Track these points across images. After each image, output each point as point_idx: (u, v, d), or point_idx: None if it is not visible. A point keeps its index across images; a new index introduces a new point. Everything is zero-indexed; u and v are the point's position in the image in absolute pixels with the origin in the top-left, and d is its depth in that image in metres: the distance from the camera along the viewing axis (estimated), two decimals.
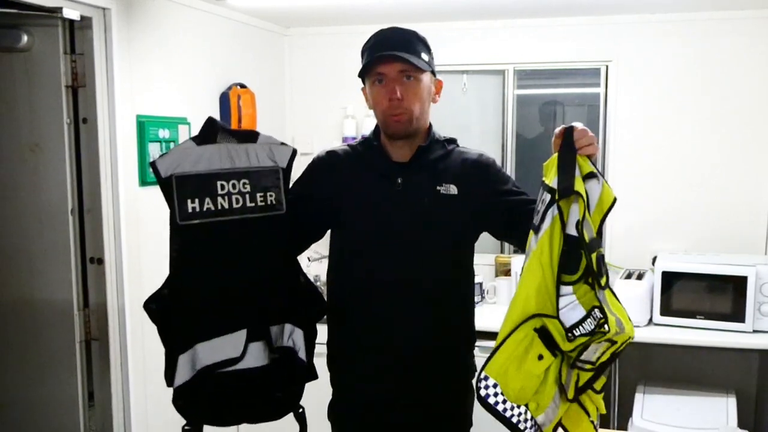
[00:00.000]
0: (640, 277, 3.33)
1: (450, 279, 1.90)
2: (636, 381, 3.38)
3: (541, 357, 1.50)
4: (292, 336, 1.80)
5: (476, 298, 3.61)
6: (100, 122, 2.66)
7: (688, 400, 3.18)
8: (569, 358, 1.54)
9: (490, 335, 1.60)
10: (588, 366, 1.55)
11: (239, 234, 1.70)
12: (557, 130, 1.58)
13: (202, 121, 3.42)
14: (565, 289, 1.50)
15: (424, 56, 1.83)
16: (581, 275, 1.50)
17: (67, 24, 2.60)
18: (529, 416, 1.52)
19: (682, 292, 3.21)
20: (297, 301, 1.81)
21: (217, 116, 3.36)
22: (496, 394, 1.51)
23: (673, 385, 3.31)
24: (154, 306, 1.67)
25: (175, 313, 1.67)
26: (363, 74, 1.84)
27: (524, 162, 3.83)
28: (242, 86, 3.49)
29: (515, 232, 1.80)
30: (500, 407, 1.51)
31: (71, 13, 2.50)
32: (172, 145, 2.98)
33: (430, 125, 1.93)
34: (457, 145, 1.95)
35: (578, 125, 1.57)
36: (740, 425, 3.00)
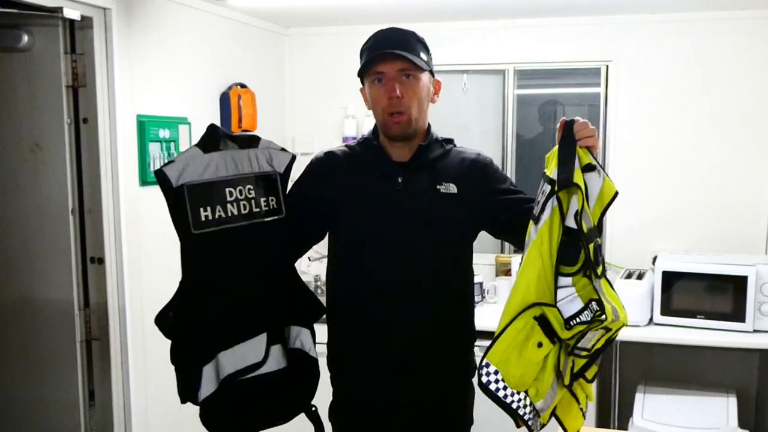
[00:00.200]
0: (640, 277, 3.33)
1: (450, 278, 1.91)
2: (636, 381, 3.38)
3: (540, 345, 1.54)
4: (300, 337, 1.81)
5: (476, 298, 3.62)
6: (100, 122, 2.66)
7: (688, 400, 3.18)
8: (567, 346, 1.58)
9: (491, 335, 1.61)
10: (584, 353, 1.59)
11: (248, 239, 1.70)
12: (559, 122, 1.61)
13: (203, 121, 3.41)
14: (564, 281, 1.53)
15: (423, 56, 1.84)
16: (580, 267, 1.53)
17: (67, 24, 2.60)
18: (528, 402, 1.56)
19: (682, 291, 3.21)
20: (298, 303, 1.82)
21: (217, 116, 3.37)
22: (497, 381, 1.55)
23: (674, 385, 3.31)
24: (170, 319, 1.66)
25: (194, 324, 1.66)
26: (362, 73, 1.85)
27: (524, 162, 3.83)
28: (242, 86, 3.49)
29: (513, 230, 1.81)
30: (501, 393, 1.55)
31: (71, 13, 2.50)
32: (172, 145, 2.99)
33: (429, 125, 1.94)
34: (455, 145, 1.96)
35: (578, 119, 1.60)
36: (741, 425, 3.00)
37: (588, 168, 1.56)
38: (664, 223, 3.59)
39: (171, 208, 1.64)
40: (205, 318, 1.67)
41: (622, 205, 3.58)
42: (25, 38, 2.60)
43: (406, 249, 1.85)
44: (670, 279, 3.21)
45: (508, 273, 3.70)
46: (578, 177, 1.53)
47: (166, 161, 1.66)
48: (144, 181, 2.85)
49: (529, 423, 1.58)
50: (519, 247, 1.76)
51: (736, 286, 3.10)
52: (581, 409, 1.69)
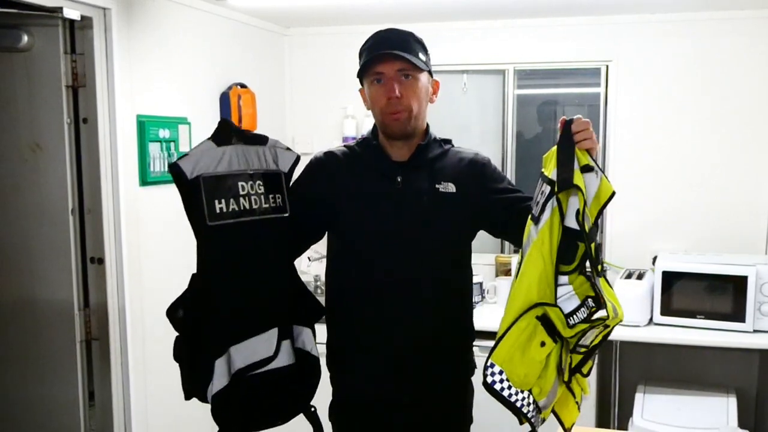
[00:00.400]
0: (640, 277, 3.33)
1: (449, 277, 1.91)
2: (636, 381, 3.38)
3: (543, 344, 1.56)
4: (301, 336, 1.82)
5: (476, 298, 3.63)
6: (100, 122, 2.66)
7: (688, 400, 3.18)
8: (569, 344, 1.60)
9: (491, 335, 1.63)
10: (582, 349, 1.62)
11: (258, 234, 1.72)
12: (560, 120, 1.63)
13: (203, 121, 3.43)
14: (562, 279, 1.56)
15: (422, 56, 1.85)
16: (577, 265, 1.56)
17: (67, 24, 2.60)
18: (531, 400, 1.59)
19: (682, 291, 3.21)
20: (299, 303, 1.83)
21: (217, 116, 3.37)
22: (501, 381, 1.57)
23: (674, 385, 3.31)
24: (181, 312, 1.66)
25: (206, 317, 1.66)
26: (361, 74, 1.85)
27: (524, 162, 3.83)
28: (242, 86, 3.49)
29: (512, 229, 1.84)
30: (506, 393, 1.57)
31: (71, 13, 2.50)
32: (172, 145, 2.99)
33: (428, 125, 1.95)
34: (453, 145, 1.98)
35: (577, 118, 1.61)
36: (741, 425, 3.00)
37: (586, 169, 1.57)
38: (664, 223, 3.59)
39: (185, 200, 1.65)
40: (217, 311, 1.67)
41: (622, 205, 3.62)
42: (25, 38, 2.60)
43: (405, 248, 1.85)
44: (670, 279, 3.21)
45: (508, 273, 3.70)
46: (578, 178, 1.54)
47: (179, 156, 1.67)
48: (144, 181, 2.85)
49: (532, 420, 1.61)
50: (517, 245, 1.77)
51: (736, 286, 3.10)
52: (577, 403, 1.72)
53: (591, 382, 1.77)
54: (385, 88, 1.81)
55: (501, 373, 1.56)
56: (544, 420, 1.65)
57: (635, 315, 3.16)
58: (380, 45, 1.82)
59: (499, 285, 3.64)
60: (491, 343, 1.62)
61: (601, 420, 3.39)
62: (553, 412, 1.69)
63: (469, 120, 3.96)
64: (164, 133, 2.94)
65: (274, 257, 1.77)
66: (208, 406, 1.70)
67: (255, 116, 3.57)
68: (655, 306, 3.22)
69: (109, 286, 2.72)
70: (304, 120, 4.04)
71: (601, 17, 3.58)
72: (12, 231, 2.74)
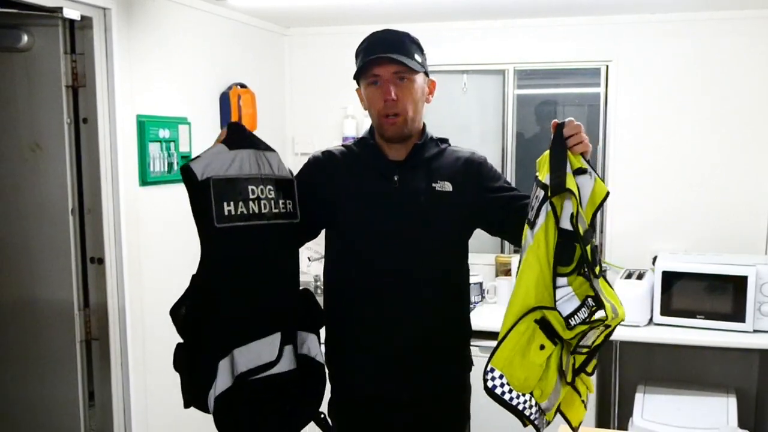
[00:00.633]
0: (640, 277, 3.33)
1: (447, 275, 1.92)
2: (636, 381, 3.38)
3: (542, 347, 1.57)
4: (307, 342, 1.82)
5: (476, 298, 3.63)
6: (100, 122, 2.66)
7: (688, 400, 3.18)
8: (570, 345, 1.61)
9: (492, 335, 1.63)
10: (584, 350, 1.63)
11: (265, 238, 1.72)
12: (551, 124, 1.63)
13: (203, 121, 3.43)
14: (561, 281, 1.56)
15: (417, 57, 1.85)
16: (575, 266, 1.56)
17: (67, 24, 2.60)
18: (534, 402, 1.60)
19: (682, 291, 3.21)
20: (304, 309, 1.84)
21: (217, 116, 3.37)
22: (502, 385, 1.58)
23: (674, 385, 3.31)
24: (184, 311, 1.66)
25: (209, 318, 1.66)
26: (358, 76, 1.86)
27: (524, 162, 3.83)
28: (242, 86, 3.49)
29: (508, 228, 1.86)
30: (507, 397, 1.58)
31: (71, 13, 2.50)
32: (172, 145, 2.99)
33: (424, 125, 1.96)
34: (449, 145, 1.98)
35: (569, 122, 1.61)
36: (740, 425, 3.00)
37: (579, 171, 1.58)
38: (664, 223, 3.59)
39: (194, 201, 1.65)
40: (220, 313, 1.67)
41: (622, 205, 3.62)
42: (25, 38, 2.60)
43: (403, 246, 1.86)
44: (670, 279, 3.21)
45: (508, 273, 3.71)
46: (571, 182, 1.55)
47: (192, 158, 1.67)
48: (144, 181, 2.85)
49: (536, 422, 1.62)
50: (515, 243, 1.79)
51: (736, 286, 3.10)
52: (583, 401, 1.73)
53: (591, 381, 1.77)
54: (381, 90, 1.82)
55: (501, 377, 1.58)
56: (549, 422, 1.66)
57: (635, 315, 3.16)
58: (376, 47, 1.82)
59: (499, 285, 3.64)
60: (492, 343, 1.63)
61: (601, 420, 3.40)
62: (561, 412, 1.70)
63: (469, 120, 3.96)
64: (164, 133, 2.94)
65: (281, 262, 1.77)
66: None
67: (255, 116, 3.57)
68: (655, 306, 3.22)
69: (109, 286, 2.72)
70: (304, 120, 4.04)
71: (601, 17, 3.58)
72: (12, 231, 2.74)
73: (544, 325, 1.56)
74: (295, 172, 1.89)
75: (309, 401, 1.83)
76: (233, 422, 1.68)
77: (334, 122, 3.93)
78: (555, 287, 1.56)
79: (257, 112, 3.59)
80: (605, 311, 1.53)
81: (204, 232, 1.65)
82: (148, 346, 2.87)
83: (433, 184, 1.87)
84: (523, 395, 1.58)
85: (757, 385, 3.49)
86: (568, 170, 1.56)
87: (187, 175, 1.63)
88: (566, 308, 1.54)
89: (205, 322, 1.66)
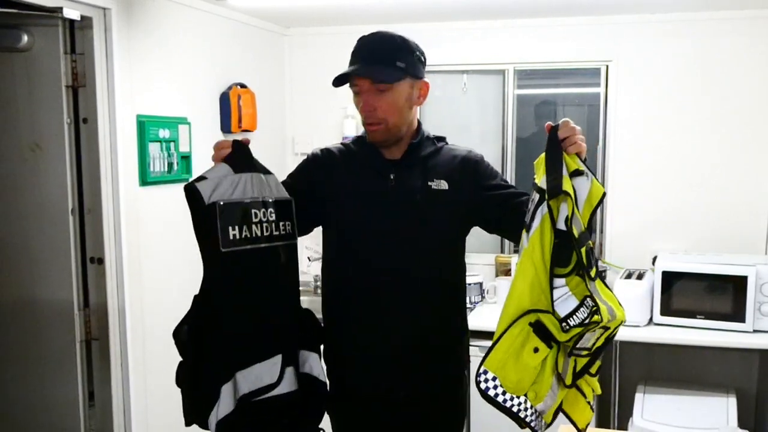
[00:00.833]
0: (640, 277, 3.33)
1: (443, 273, 1.93)
2: (636, 381, 3.38)
3: (536, 350, 1.58)
4: (309, 361, 1.83)
5: (476, 298, 3.63)
6: (100, 122, 2.66)
7: (688, 400, 3.18)
8: (566, 348, 1.60)
9: (492, 335, 1.63)
10: (584, 352, 1.62)
11: (268, 260, 1.74)
12: (545, 126, 1.63)
13: (203, 121, 3.42)
14: (558, 282, 1.56)
15: (400, 64, 1.82)
16: (573, 267, 1.56)
17: (67, 24, 2.60)
18: (528, 405, 1.60)
19: (682, 291, 3.21)
20: (306, 328, 1.86)
21: (217, 116, 3.37)
22: (495, 387, 1.59)
23: (674, 385, 3.31)
24: (185, 332, 1.67)
25: (213, 340, 1.67)
26: (338, 85, 1.86)
27: (524, 162, 3.83)
28: (242, 86, 3.49)
29: (505, 225, 1.87)
30: (500, 398, 1.59)
31: (71, 13, 2.50)
32: (172, 145, 2.99)
33: (420, 123, 1.96)
34: (446, 143, 1.99)
35: (563, 123, 1.61)
36: (740, 425, 3.00)
37: (576, 173, 1.57)
38: (664, 223, 3.59)
39: (199, 222, 1.66)
40: (224, 335, 1.68)
41: (622, 205, 3.62)
42: (25, 38, 2.60)
43: (399, 245, 1.87)
44: (670, 279, 3.21)
45: (508, 273, 3.71)
46: (567, 184, 1.55)
47: (195, 177, 1.67)
48: (144, 181, 2.85)
49: (532, 425, 1.61)
50: (513, 241, 1.79)
51: (736, 286, 3.10)
52: (588, 403, 1.73)
53: (597, 383, 1.77)
54: (362, 100, 1.83)
55: (495, 379, 1.58)
56: (548, 424, 1.65)
57: (635, 315, 3.16)
58: (356, 57, 1.84)
59: (499, 285, 3.64)
60: (491, 343, 1.62)
61: (601, 420, 3.39)
62: (565, 414, 1.70)
63: (469, 120, 3.96)
64: (164, 133, 2.94)
65: (282, 282, 1.79)
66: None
67: (255, 116, 3.58)
68: (655, 306, 3.22)
69: (109, 286, 2.72)
70: (304, 120, 4.04)
71: (601, 17, 3.58)
72: (12, 231, 2.74)
73: (539, 328, 1.57)
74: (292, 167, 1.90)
75: (310, 420, 1.84)
76: None
77: (334, 122, 3.93)
78: (552, 288, 1.55)
79: (257, 112, 3.59)
80: (600, 313, 1.52)
81: (208, 254, 1.67)
82: (148, 346, 2.87)
83: (429, 183, 1.88)
84: (517, 397, 1.59)
85: (757, 385, 3.49)
86: (564, 172, 1.56)
87: (192, 195, 1.64)
88: (564, 308, 1.54)
89: (209, 344, 1.67)
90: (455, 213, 1.89)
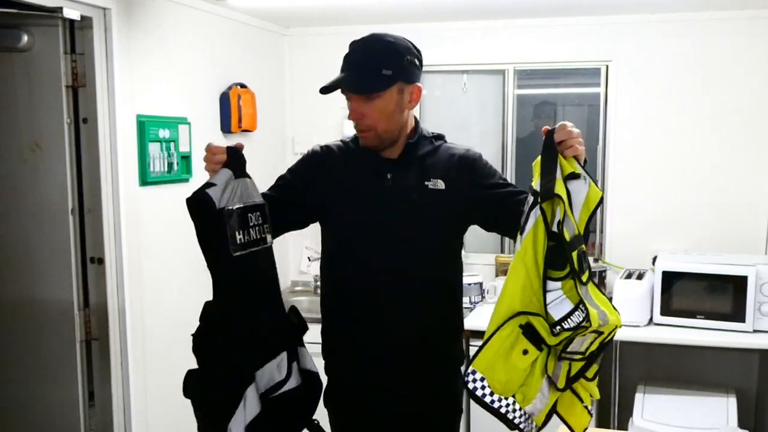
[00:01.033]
0: (640, 277, 3.33)
1: (440, 271, 1.93)
2: (636, 381, 3.38)
3: (525, 352, 1.58)
4: (305, 357, 1.86)
5: (476, 298, 3.63)
6: (100, 122, 2.66)
7: (688, 400, 3.18)
8: (557, 351, 1.60)
9: None
10: (578, 356, 1.62)
11: (260, 262, 1.77)
12: (542, 130, 1.63)
13: (203, 120, 3.42)
14: (553, 285, 1.56)
15: (386, 71, 1.81)
16: (569, 271, 1.55)
17: (67, 24, 2.60)
18: (517, 407, 1.60)
19: (682, 291, 3.21)
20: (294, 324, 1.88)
21: (217, 116, 3.37)
22: (483, 387, 1.59)
23: (674, 385, 3.31)
24: (200, 342, 1.68)
25: (230, 345, 1.70)
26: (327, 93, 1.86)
27: (524, 162, 3.83)
28: (242, 86, 3.49)
29: (503, 223, 1.86)
30: (488, 399, 1.59)
31: (71, 13, 2.50)
32: (172, 145, 2.99)
33: (417, 122, 1.96)
34: (445, 141, 1.99)
35: (560, 127, 1.60)
36: (740, 425, 3.00)
37: (572, 176, 1.57)
38: (664, 223, 3.59)
39: (206, 228, 1.67)
40: (240, 338, 1.71)
41: (622, 205, 3.62)
42: (25, 38, 2.60)
43: (396, 243, 1.87)
44: (670, 279, 3.21)
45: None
46: (560, 187, 1.54)
47: (203, 184, 1.68)
48: (144, 181, 2.85)
49: (521, 426, 1.62)
50: (513, 239, 1.77)
51: (736, 286, 3.10)
52: (586, 407, 1.72)
53: (595, 387, 1.76)
54: (351, 107, 1.85)
55: (483, 379, 1.59)
56: (539, 427, 1.65)
57: (635, 315, 3.16)
58: (345, 63, 1.85)
59: (499, 285, 3.64)
60: None
61: (601, 420, 3.40)
62: (561, 417, 1.69)
63: (469, 120, 3.96)
64: (164, 133, 2.94)
65: (274, 283, 1.83)
66: None
67: (255, 116, 3.58)
68: (655, 306, 3.22)
69: (109, 286, 2.72)
70: (304, 120, 4.04)
71: (601, 17, 3.58)
72: (12, 231, 2.74)
73: (529, 331, 1.57)
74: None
75: (306, 410, 1.86)
76: None
77: (334, 122, 3.93)
78: (546, 291, 1.55)
79: (257, 112, 3.59)
80: (590, 318, 1.52)
81: (216, 259, 1.69)
82: (148, 346, 2.86)
83: (425, 182, 1.88)
84: (505, 398, 1.59)
85: (757, 385, 3.49)
86: (558, 175, 1.56)
87: (201, 203, 1.64)
88: (558, 311, 1.54)
89: (227, 349, 1.69)
90: (452, 212, 1.90)
